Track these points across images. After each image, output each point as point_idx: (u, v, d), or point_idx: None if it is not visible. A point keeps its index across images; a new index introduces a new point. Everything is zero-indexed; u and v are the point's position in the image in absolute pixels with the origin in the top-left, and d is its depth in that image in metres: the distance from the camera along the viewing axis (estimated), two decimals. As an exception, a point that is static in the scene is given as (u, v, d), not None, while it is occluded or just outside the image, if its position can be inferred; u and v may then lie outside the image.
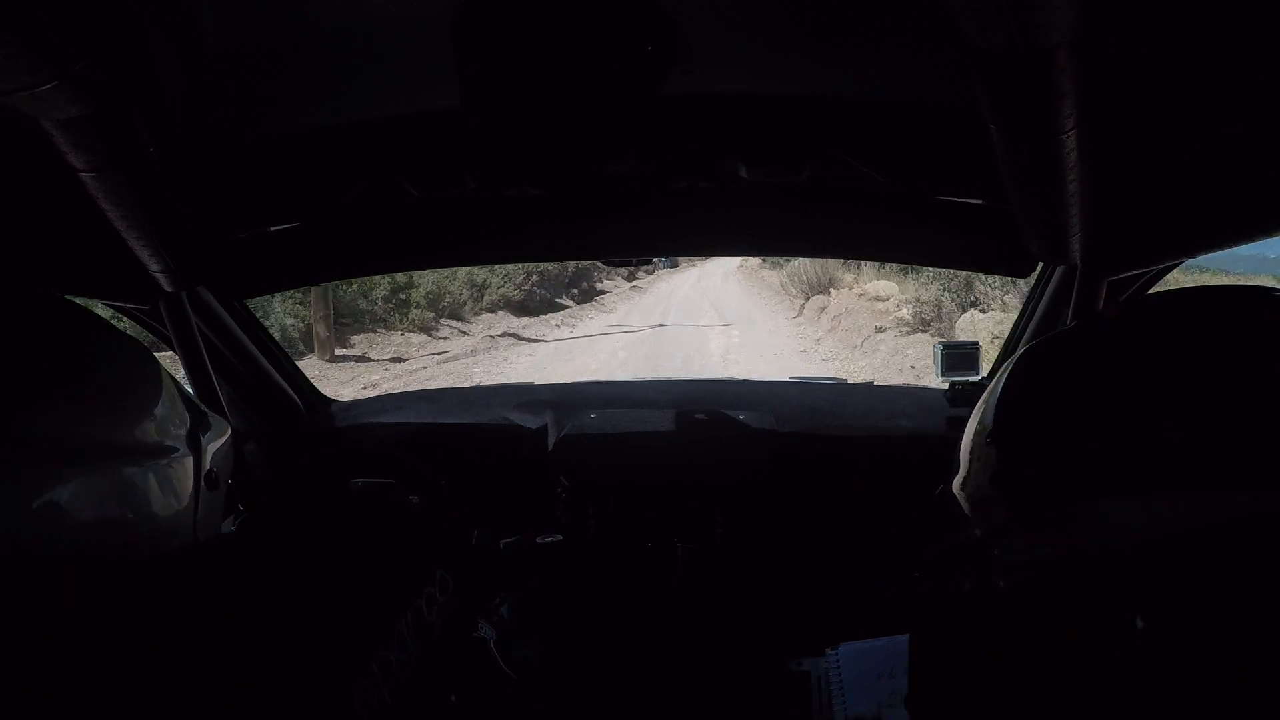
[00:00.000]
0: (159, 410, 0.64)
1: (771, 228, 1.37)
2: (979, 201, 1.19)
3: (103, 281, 1.17)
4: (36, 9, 0.60)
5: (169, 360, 0.87)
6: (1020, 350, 0.65)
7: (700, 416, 1.50)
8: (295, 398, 1.67)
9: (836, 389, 1.92)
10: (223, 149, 1.07)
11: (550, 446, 1.49)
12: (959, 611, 0.59)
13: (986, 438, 0.57)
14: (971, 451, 0.59)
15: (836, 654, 1.00)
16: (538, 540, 1.31)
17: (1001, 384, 0.59)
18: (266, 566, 0.70)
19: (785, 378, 2.15)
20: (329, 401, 1.80)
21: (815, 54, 0.93)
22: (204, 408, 0.73)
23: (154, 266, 1.06)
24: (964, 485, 0.59)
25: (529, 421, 1.57)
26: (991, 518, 0.57)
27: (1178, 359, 0.49)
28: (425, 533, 0.98)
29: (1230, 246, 0.92)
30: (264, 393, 1.60)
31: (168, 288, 1.16)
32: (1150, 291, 1.21)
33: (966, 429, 0.61)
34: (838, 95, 1.02)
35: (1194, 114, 0.85)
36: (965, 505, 0.59)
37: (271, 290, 1.64)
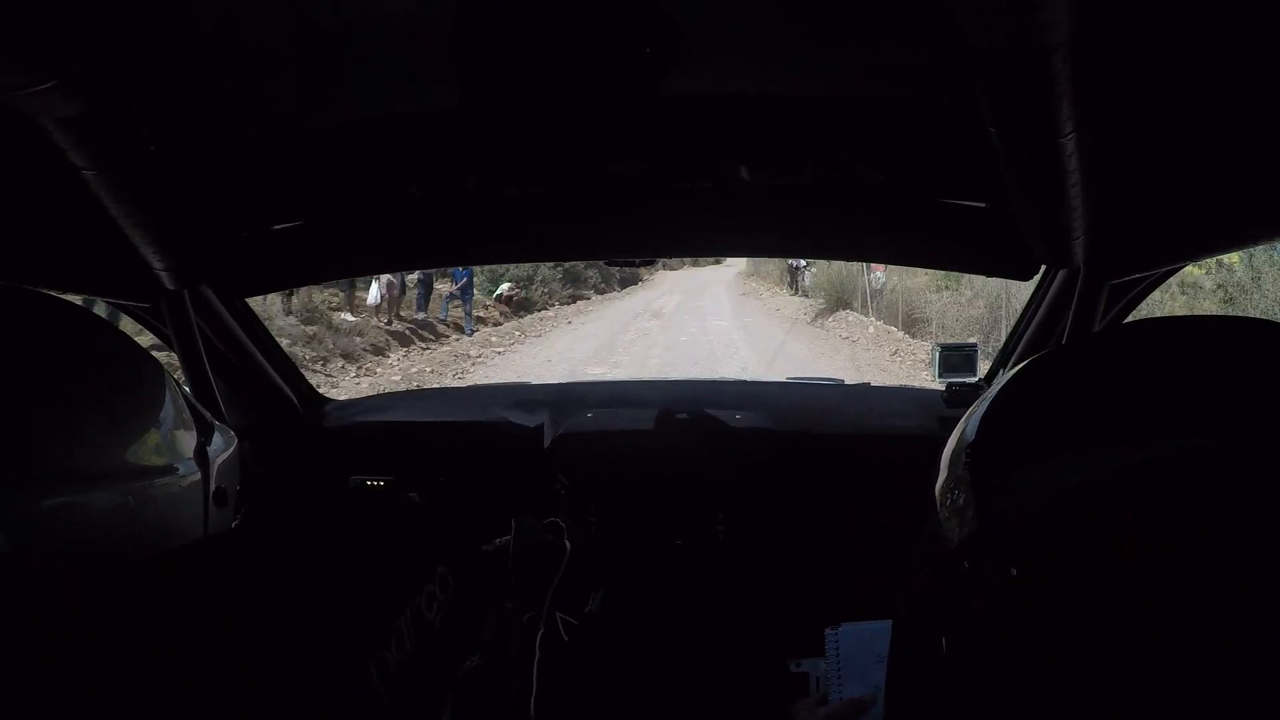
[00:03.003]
0: (170, 428, 0.64)
1: (772, 229, 1.37)
2: (980, 204, 1.19)
3: (104, 279, 1.17)
4: (36, 8, 0.60)
5: (166, 359, 0.87)
6: (1016, 363, 0.64)
7: (698, 416, 1.50)
8: (293, 397, 1.67)
9: (834, 389, 1.92)
10: (224, 147, 1.07)
11: (546, 445, 1.49)
12: (932, 615, 0.59)
13: (966, 451, 0.57)
14: (951, 462, 0.59)
15: (836, 635, 1.01)
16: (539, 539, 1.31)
17: (990, 400, 0.59)
18: (264, 565, 0.70)
19: (783, 378, 2.15)
20: (326, 400, 1.80)
21: (816, 54, 0.93)
22: (209, 418, 0.73)
23: (156, 264, 1.07)
24: (941, 493, 0.59)
25: (526, 420, 1.57)
26: (965, 528, 0.56)
27: (1173, 388, 0.48)
28: (425, 530, 0.98)
29: (1233, 250, 0.93)
30: (262, 391, 1.60)
31: (169, 286, 1.16)
32: (1149, 316, 1.21)
33: (952, 435, 0.61)
34: (838, 96, 1.02)
35: (1195, 115, 0.85)
36: (940, 512, 0.59)
37: (273, 289, 1.64)
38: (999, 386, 0.59)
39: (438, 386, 1.96)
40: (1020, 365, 0.61)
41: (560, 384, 2.11)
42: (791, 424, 1.51)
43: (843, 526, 1.38)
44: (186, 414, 0.67)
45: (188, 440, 0.66)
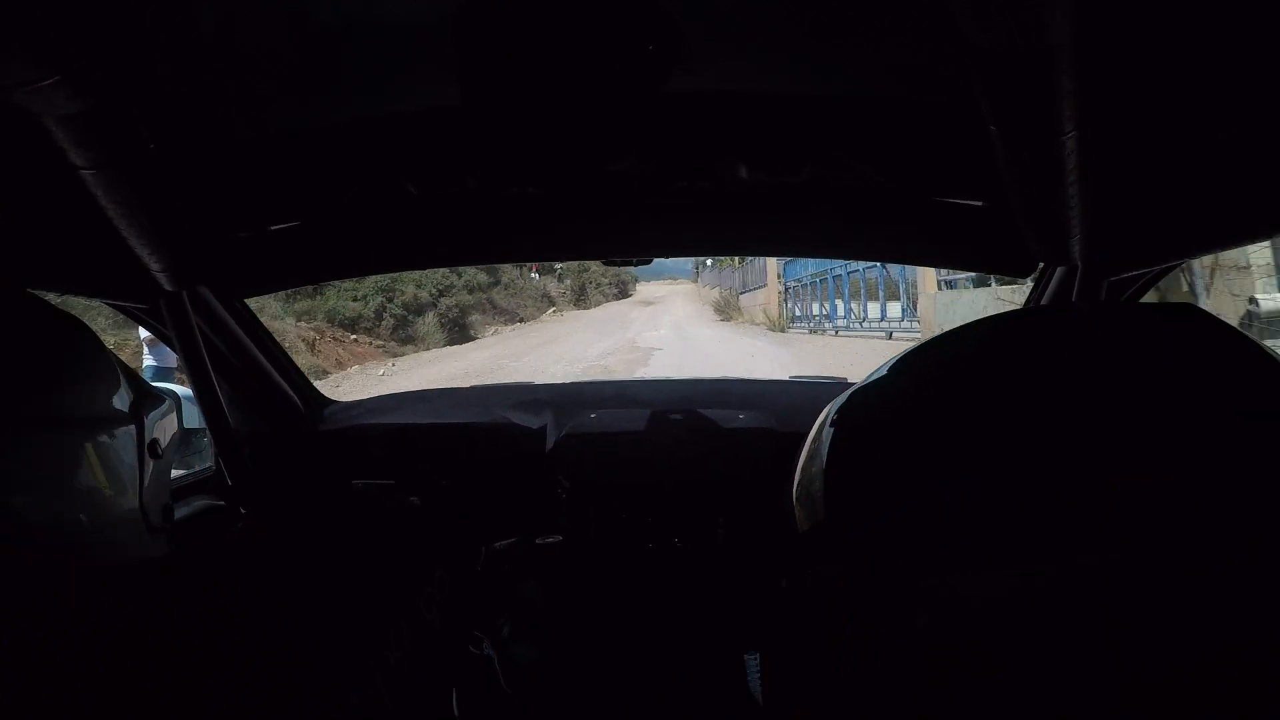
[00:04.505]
0: (97, 384, 0.68)
1: (771, 228, 1.37)
2: (979, 203, 1.19)
3: (103, 280, 1.17)
4: (37, 5, 0.60)
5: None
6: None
7: (700, 416, 1.50)
8: (295, 398, 1.67)
9: (837, 389, 1.92)
10: (223, 147, 1.07)
11: (549, 446, 1.49)
12: (781, 609, 0.60)
13: (832, 420, 0.56)
14: (814, 439, 0.58)
15: (755, 658, 0.99)
16: (537, 541, 1.31)
17: (835, 415, 0.58)
18: (265, 566, 0.70)
19: (785, 377, 2.15)
20: (328, 401, 1.80)
21: (815, 54, 0.93)
22: (143, 383, 0.77)
23: (154, 265, 1.06)
24: (799, 475, 0.59)
25: (528, 421, 1.56)
26: (813, 516, 0.56)
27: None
28: (425, 532, 0.98)
29: (1231, 247, 0.93)
30: (263, 392, 1.60)
31: (168, 286, 1.16)
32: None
33: (819, 419, 0.60)
34: (838, 95, 1.02)
35: (1194, 115, 0.85)
36: (795, 497, 0.59)
37: (272, 290, 1.64)
38: (866, 382, 0.58)
39: (440, 388, 1.97)
40: (892, 360, 0.60)
41: (563, 384, 2.11)
42: (794, 424, 1.50)
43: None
44: (118, 375, 0.72)
45: (118, 397, 0.71)
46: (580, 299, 30.04)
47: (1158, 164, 0.93)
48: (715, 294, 27.86)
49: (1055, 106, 0.71)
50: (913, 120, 1.02)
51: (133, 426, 0.71)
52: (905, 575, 0.46)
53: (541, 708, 1.16)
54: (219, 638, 0.56)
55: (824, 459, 0.54)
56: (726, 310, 23.87)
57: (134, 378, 0.76)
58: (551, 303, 26.49)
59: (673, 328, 19.06)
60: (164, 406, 0.79)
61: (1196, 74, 0.80)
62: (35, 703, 0.46)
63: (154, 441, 0.75)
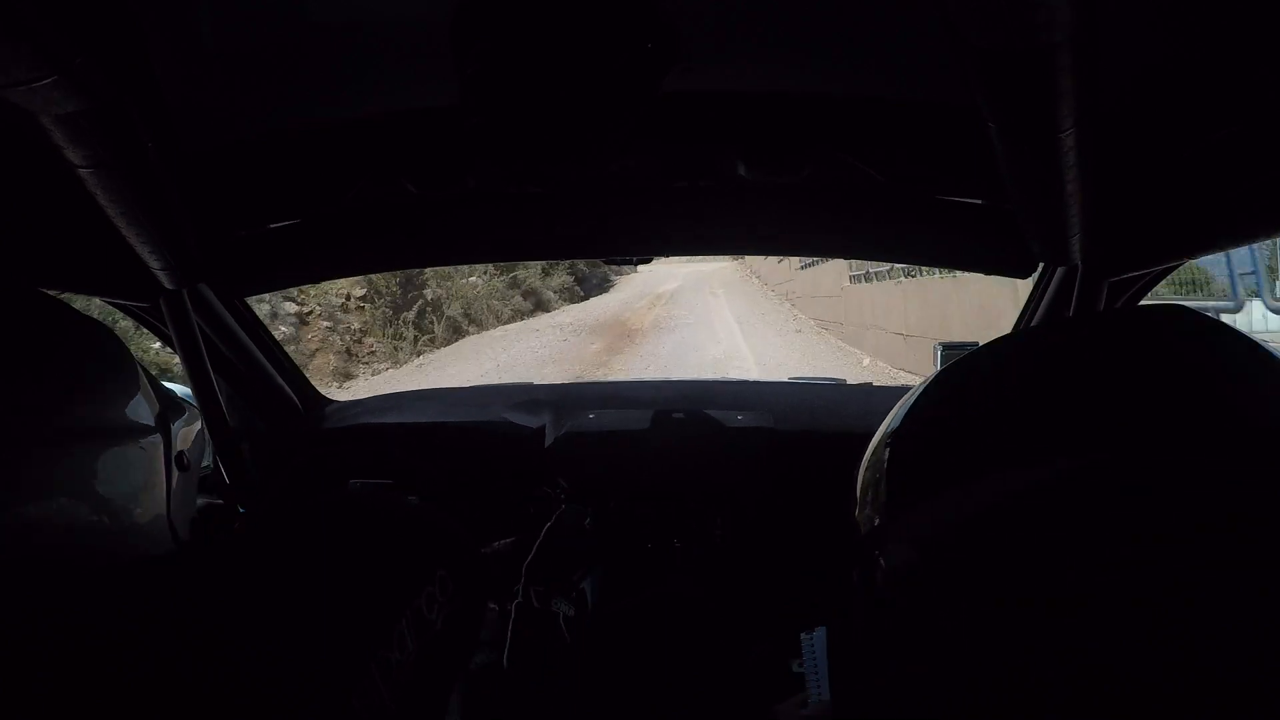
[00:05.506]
0: (125, 393, 0.66)
1: (771, 227, 1.37)
2: (979, 202, 1.19)
3: (103, 279, 1.17)
4: (32, 6, 0.59)
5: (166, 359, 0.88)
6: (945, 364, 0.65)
7: (699, 416, 1.50)
8: (294, 397, 1.67)
9: (835, 389, 1.92)
10: (224, 145, 1.07)
11: (548, 446, 1.49)
12: (854, 606, 0.61)
13: (888, 438, 0.57)
14: (873, 451, 0.60)
15: (811, 639, 1.01)
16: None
17: (920, 391, 0.60)
18: (265, 567, 0.70)
19: (784, 378, 2.15)
20: (327, 401, 1.80)
21: (815, 53, 0.93)
22: (170, 393, 0.76)
23: (154, 263, 1.06)
24: (863, 485, 0.61)
25: (527, 421, 1.56)
26: (875, 513, 0.58)
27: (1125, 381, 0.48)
28: (424, 532, 0.98)
29: (1232, 247, 0.93)
30: (263, 391, 1.60)
31: (168, 285, 1.16)
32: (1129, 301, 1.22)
33: (881, 427, 0.62)
34: (838, 94, 1.02)
35: (1194, 114, 0.85)
36: (860, 499, 0.61)
37: (272, 288, 1.64)
38: (921, 389, 0.60)
39: (440, 387, 1.97)
40: (944, 369, 0.62)
41: (562, 384, 2.11)
42: (792, 424, 1.50)
43: (842, 527, 1.38)
44: (146, 384, 0.70)
45: (148, 407, 0.68)
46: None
47: (1158, 163, 0.93)
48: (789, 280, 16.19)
49: (1054, 105, 0.71)
50: (912, 119, 1.02)
51: (159, 437, 0.69)
52: (982, 562, 0.47)
53: (541, 708, 1.16)
54: (218, 638, 0.56)
55: (897, 448, 0.58)
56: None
57: (159, 385, 0.74)
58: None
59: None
60: (189, 416, 0.77)
61: (1196, 72, 0.80)
62: (37, 702, 0.46)
63: (181, 453, 0.72)
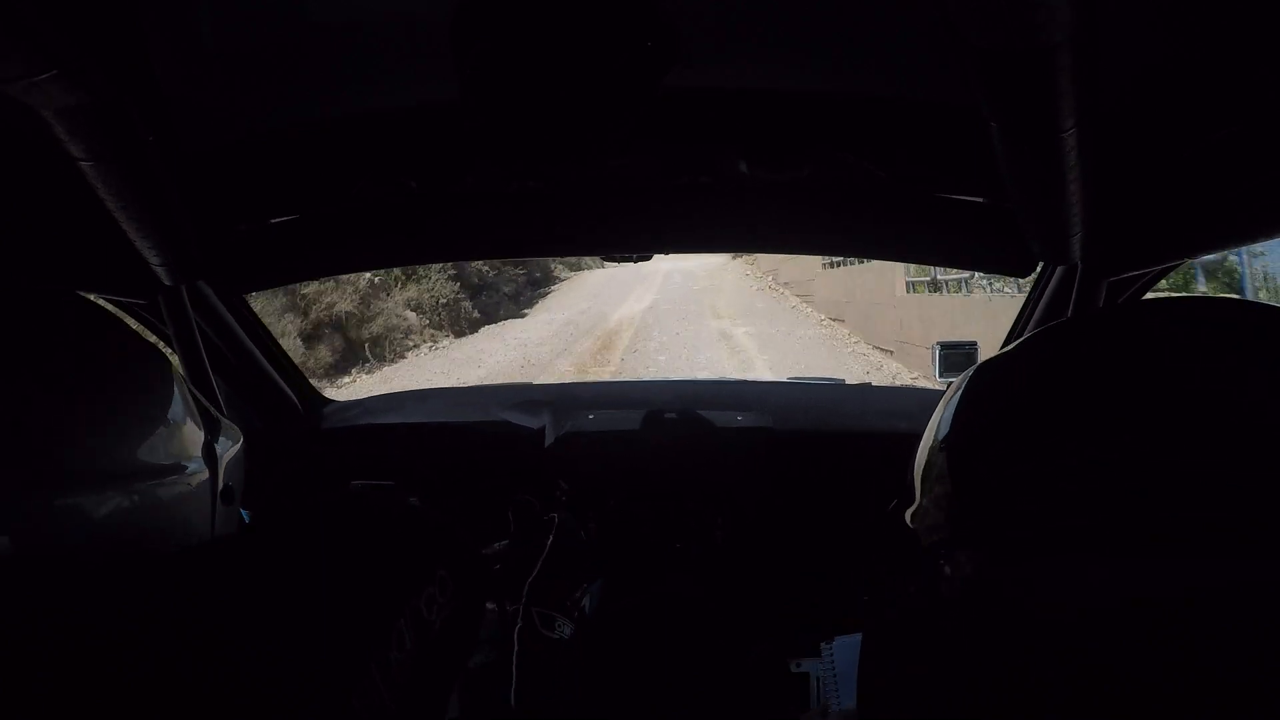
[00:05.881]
0: (178, 425, 0.63)
1: (772, 225, 1.37)
2: (979, 200, 1.19)
3: (101, 275, 1.16)
4: (32, 5, 0.59)
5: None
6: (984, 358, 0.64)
7: (698, 416, 1.50)
8: (293, 396, 1.67)
9: (834, 389, 1.92)
10: (224, 141, 1.07)
11: (547, 446, 1.48)
12: (907, 618, 0.59)
13: (941, 445, 0.57)
14: (927, 466, 0.59)
15: (831, 648, 1.01)
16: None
17: (962, 389, 0.59)
18: (264, 567, 0.70)
19: (784, 379, 2.15)
20: (326, 401, 1.80)
21: (816, 51, 0.93)
22: (216, 414, 0.73)
23: (153, 259, 1.06)
24: (916, 509, 0.59)
25: (527, 421, 1.56)
26: (939, 533, 0.56)
27: (1170, 375, 0.47)
28: (424, 533, 0.98)
29: (1232, 247, 0.93)
30: (262, 390, 1.60)
31: (167, 281, 1.15)
32: (1147, 295, 1.21)
33: (919, 447, 0.61)
34: (838, 93, 1.02)
35: (1194, 113, 0.85)
36: (913, 524, 0.59)
37: (272, 285, 1.63)
38: (966, 379, 0.59)
39: (439, 387, 1.98)
40: (985, 360, 0.61)
41: (562, 384, 2.11)
42: (792, 424, 1.50)
43: (842, 527, 1.38)
44: (195, 411, 0.66)
45: (196, 438, 0.65)
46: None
47: (1158, 163, 0.93)
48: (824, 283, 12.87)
49: (1055, 104, 0.71)
50: (913, 117, 1.02)
51: (206, 470, 0.65)
52: (1052, 561, 0.46)
53: (540, 708, 1.16)
54: (218, 638, 0.56)
55: (958, 441, 0.55)
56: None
57: (205, 409, 0.70)
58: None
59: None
60: (231, 435, 0.73)
61: (1196, 72, 0.80)
62: (37, 702, 0.46)
63: (228, 488, 0.70)
